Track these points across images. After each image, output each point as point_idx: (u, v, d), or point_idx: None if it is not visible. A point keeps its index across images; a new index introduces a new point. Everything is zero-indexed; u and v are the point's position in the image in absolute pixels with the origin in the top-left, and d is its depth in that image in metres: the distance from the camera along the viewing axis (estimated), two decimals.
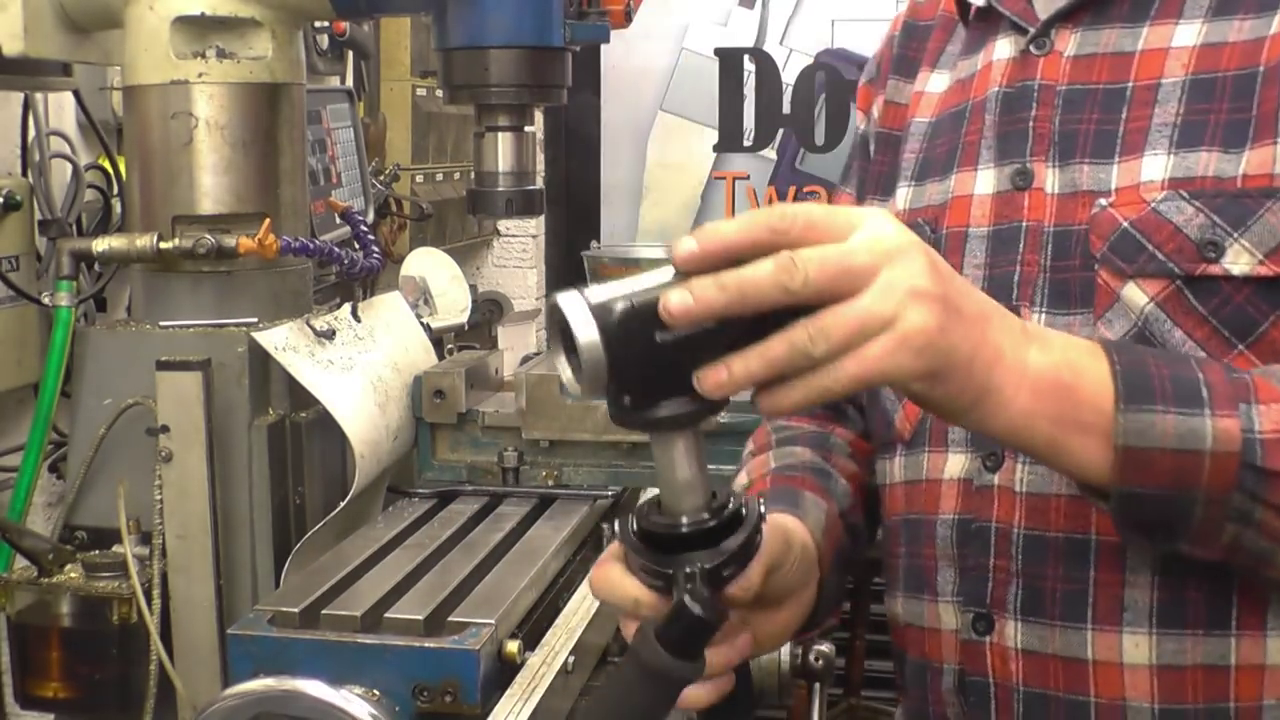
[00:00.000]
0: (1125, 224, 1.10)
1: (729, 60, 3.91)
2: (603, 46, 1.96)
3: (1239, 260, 1.06)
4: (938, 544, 1.20)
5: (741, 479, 1.32)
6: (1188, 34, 1.12)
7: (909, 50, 1.39)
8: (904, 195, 1.31)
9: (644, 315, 0.84)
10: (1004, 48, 1.24)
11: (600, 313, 0.84)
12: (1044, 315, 1.14)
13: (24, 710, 1.62)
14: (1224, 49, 1.10)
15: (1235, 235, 1.06)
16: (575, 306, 0.84)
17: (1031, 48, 1.20)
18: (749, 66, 3.92)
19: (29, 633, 1.56)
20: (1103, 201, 1.12)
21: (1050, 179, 1.16)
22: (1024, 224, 1.17)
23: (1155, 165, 1.10)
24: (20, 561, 1.59)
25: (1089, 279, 1.12)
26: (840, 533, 1.24)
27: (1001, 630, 1.15)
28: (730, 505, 0.93)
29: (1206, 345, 1.07)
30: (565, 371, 0.88)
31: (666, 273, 0.86)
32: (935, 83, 1.34)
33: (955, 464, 1.20)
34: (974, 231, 1.21)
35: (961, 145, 1.25)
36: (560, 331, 0.86)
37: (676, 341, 0.85)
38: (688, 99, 3.97)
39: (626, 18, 1.77)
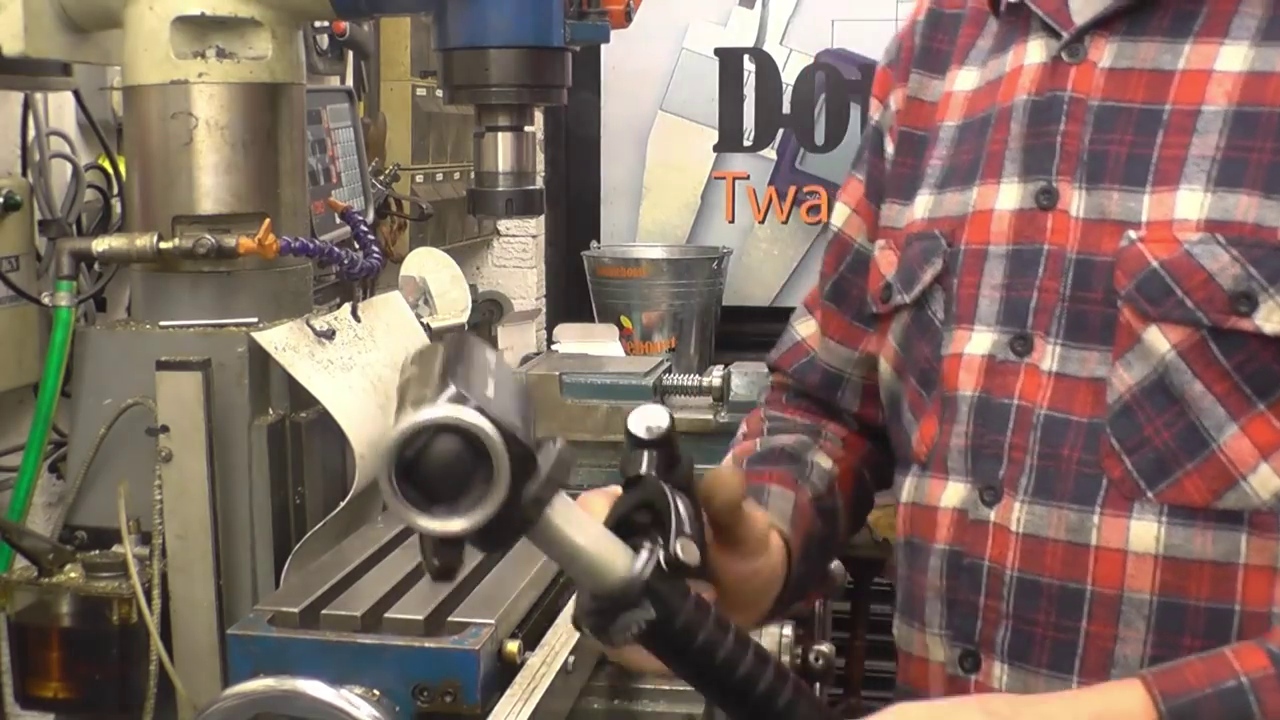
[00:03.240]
0: (1155, 263, 1.04)
1: (729, 60, 3.91)
2: (603, 46, 1.97)
3: (1272, 318, 1.00)
4: (929, 573, 1.17)
5: (726, 462, 1.31)
6: (1233, 57, 1.05)
7: (934, 41, 1.30)
8: (924, 203, 1.23)
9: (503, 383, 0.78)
10: (1035, 51, 1.16)
11: (482, 405, 0.74)
12: (1059, 346, 1.09)
13: (24, 710, 1.62)
14: (1271, 79, 1.04)
15: (1271, 291, 1.00)
16: (455, 414, 0.74)
17: (1064, 54, 1.13)
18: (749, 66, 3.92)
19: (29, 633, 1.56)
20: (1132, 234, 1.05)
21: (1076, 201, 1.10)
22: (1045, 247, 1.11)
23: (1191, 202, 1.04)
24: (20, 561, 1.59)
25: (1110, 315, 1.06)
26: (811, 519, 1.22)
27: (988, 671, 1.12)
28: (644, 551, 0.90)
29: (1226, 400, 1.02)
30: (448, 523, 0.75)
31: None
32: (964, 80, 1.25)
33: (953, 493, 1.16)
34: (993, 250, 1.14)
35: (985, 155, 1.17)
36: (404, 477, 0.74)
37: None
38: (688, 99, 3.97)
39: (626, 18, 1.77)
